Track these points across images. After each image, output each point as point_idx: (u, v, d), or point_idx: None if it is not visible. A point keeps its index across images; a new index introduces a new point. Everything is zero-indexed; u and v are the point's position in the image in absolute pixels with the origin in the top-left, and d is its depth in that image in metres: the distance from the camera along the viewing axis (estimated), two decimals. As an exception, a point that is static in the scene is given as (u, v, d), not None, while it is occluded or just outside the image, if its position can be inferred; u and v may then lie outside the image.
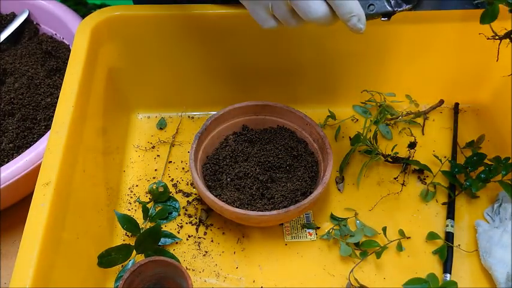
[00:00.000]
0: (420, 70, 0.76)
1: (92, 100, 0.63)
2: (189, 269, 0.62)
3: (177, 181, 0.71)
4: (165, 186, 0.68)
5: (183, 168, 0.72)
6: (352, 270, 0.61)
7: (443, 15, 0.69)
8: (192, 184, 0.70)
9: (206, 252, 0.64)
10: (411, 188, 0.70)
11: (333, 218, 0.67)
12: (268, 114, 0.71)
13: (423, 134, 0.77)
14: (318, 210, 0.67)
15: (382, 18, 0.50)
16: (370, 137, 0.70)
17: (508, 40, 0.55)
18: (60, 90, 0.59)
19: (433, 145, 0.75)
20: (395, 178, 0.71)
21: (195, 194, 0.69)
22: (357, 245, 0.64)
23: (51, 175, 0.52)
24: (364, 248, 0.63)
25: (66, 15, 0.79)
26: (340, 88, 0.77)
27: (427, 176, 0.71)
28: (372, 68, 0.75)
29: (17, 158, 0.62)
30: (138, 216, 0.66)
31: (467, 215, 0.68)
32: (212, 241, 0.65)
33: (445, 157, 0.73)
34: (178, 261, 0.61)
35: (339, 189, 0.70)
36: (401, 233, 0.65)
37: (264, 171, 0.66)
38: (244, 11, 0.68)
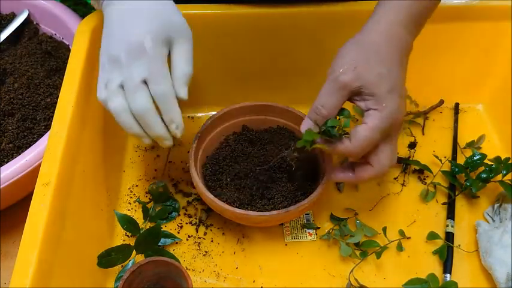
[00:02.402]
0: (420, 70, 0.76)
1: (91, 100, 0.63)
2: (189, 269, 0.62)
3: (177, 181, 0.70)
4: (165, 186, 0.68)
5: (183, 168, 0.72)
6: (352, 270, 0.61)
7: (443, 15, 0.69)
8: (192, 184, 0.70)
9: (206, 252, 0.64)
10: (411, 188, 0.70)
11: (333, 218, 0.66)
12: (268, 114, 0.71)
13: (423, 134, 0.77)
14: (318, 210, 0.67)
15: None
16: (370, 137, 0.70)
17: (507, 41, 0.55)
18: (60, 90, 0.59)
19: (433, 145, 0.75)
20: (395, 178, 0.71)
21: (195, 194, 0.69)
22: (357, 245, 0.64)
23: (51, 175, 0.52)
24: (364, 248, 0.63)
25: (66, 15, 0.79)
26: (340, 88, 0.77)
27: (427, 176, 0.71)
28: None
29: (17, 158, 0.62)
30: (138, 216, 0.66)
31: (467, 215, 0.68)
32: (212, 241, 0.65)
33: (445, 157, 0.73)
34: (178, 261, 0.61)
35: (339, 189, 0.70)
36: (402, 233, 0.65)
37: (264, 171, 0.66)
38: (244, 11, 0.68)
